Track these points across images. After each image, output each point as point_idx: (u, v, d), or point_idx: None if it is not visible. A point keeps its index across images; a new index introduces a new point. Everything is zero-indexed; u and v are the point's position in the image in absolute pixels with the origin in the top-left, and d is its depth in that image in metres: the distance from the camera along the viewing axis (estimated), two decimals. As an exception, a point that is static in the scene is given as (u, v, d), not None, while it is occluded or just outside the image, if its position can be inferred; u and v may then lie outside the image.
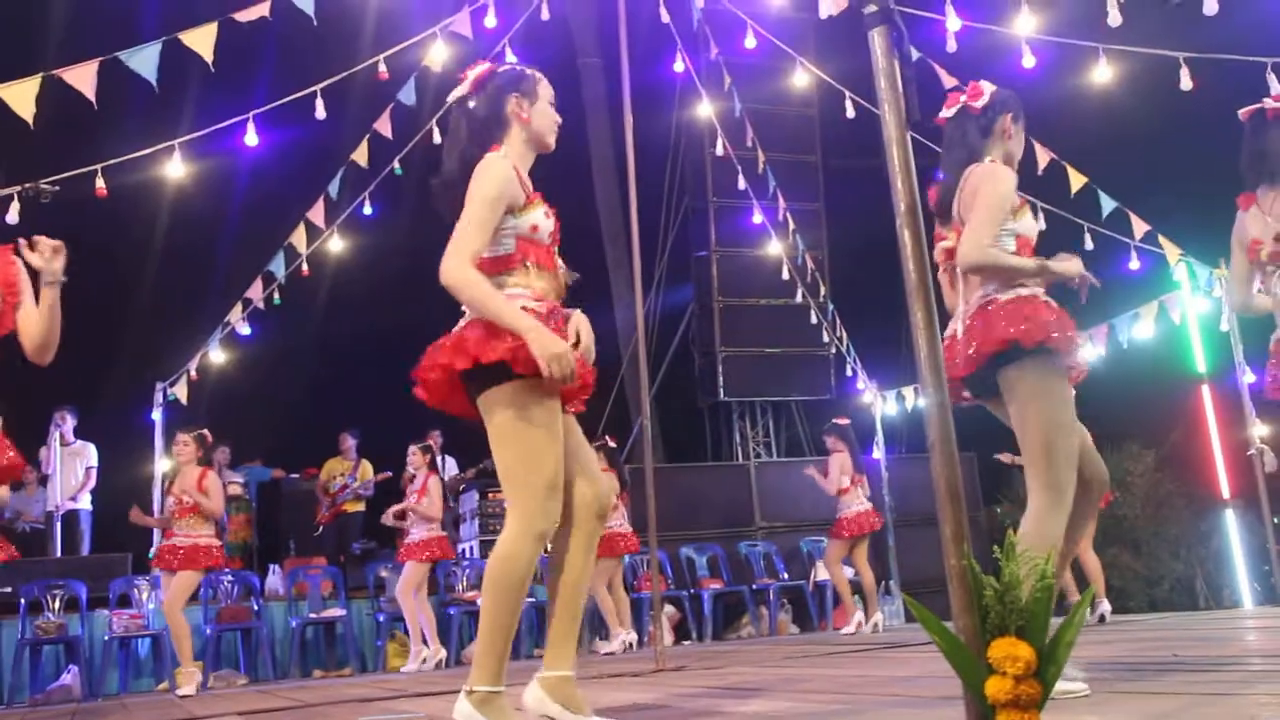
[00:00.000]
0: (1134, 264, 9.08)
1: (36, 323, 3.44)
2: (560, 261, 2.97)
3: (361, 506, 10.72)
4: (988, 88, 3.26)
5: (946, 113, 3.32)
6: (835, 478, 8.57)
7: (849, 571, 8.90)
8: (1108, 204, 8.48)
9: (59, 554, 9.59)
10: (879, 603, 8.75)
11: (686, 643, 9.44)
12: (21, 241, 3.50)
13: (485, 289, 2.69)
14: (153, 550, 7.06)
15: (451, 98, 2.96)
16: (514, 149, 2.90)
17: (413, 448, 8.54)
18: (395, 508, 8.55)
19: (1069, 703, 2.64)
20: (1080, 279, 3.17)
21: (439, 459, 10.92)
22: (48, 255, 3.45)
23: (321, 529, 10.79)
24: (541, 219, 2.85)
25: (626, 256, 7.10)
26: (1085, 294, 3.21)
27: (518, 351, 2.63)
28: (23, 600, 8.02)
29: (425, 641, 8.04)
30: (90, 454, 9.89)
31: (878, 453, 11.45)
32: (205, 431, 7.39)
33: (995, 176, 3.12)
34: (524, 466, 2.69)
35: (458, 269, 2.68)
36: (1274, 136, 4.13)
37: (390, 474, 10.60)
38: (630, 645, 8.35)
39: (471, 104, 2.93)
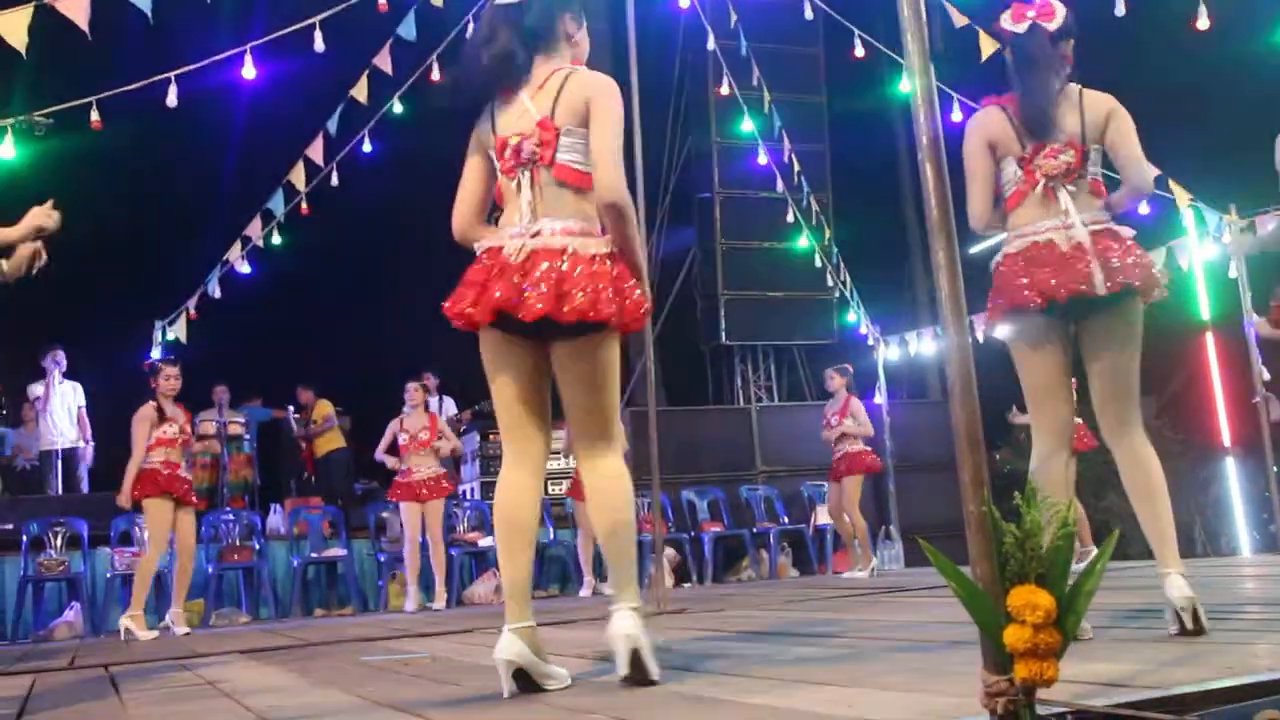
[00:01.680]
0: (1143, 209, 8.91)
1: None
2: None
3: (340, 443, 10.68)
4: (1059, 7, 3.20)
5: (1014, 25, 3.22)
6: (866, 420, 8.60)
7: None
8: (1117, 147, 8.34)
9: (59, 492, 9.61)
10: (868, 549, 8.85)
11: (687, 585, 9.48)
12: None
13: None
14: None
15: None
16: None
17: (412, 385, 8.49)
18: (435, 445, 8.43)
19: (1082, 650, 2.61)
20: None
21: (437, 400, 10.91)
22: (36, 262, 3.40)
23: (309, 476, 10.83)
24: None
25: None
26: None
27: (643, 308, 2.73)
28: (24, 537, 8.04)
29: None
30: (79, 393, 9.89)
31: (879, 398, 11.42)
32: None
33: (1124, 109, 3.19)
34: (617, 401, 2.82)
35: (626, 189, 2.72)
36: None
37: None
38: (596, 590, 8.44)
39: (521, 10, 2.83)
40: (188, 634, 6.72)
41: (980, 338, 9.57)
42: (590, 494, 2.80)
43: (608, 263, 2.68)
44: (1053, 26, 3.18)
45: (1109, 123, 3.15)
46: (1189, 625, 2.80)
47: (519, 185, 2.76)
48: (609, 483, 2.75)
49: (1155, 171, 3.05)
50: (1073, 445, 3.23)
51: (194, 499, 6.93)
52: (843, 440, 8.57)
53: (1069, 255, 3.03)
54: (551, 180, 2.74)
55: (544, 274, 2.62)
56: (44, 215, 3.45)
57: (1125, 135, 3.15)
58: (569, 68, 2.83)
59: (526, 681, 2.63)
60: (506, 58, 2.78)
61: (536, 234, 2.69)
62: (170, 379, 6.92)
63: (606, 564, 2.81)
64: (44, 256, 3.42)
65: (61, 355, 9.67)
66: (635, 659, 2.56)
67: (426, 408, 8.62)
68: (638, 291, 2.73)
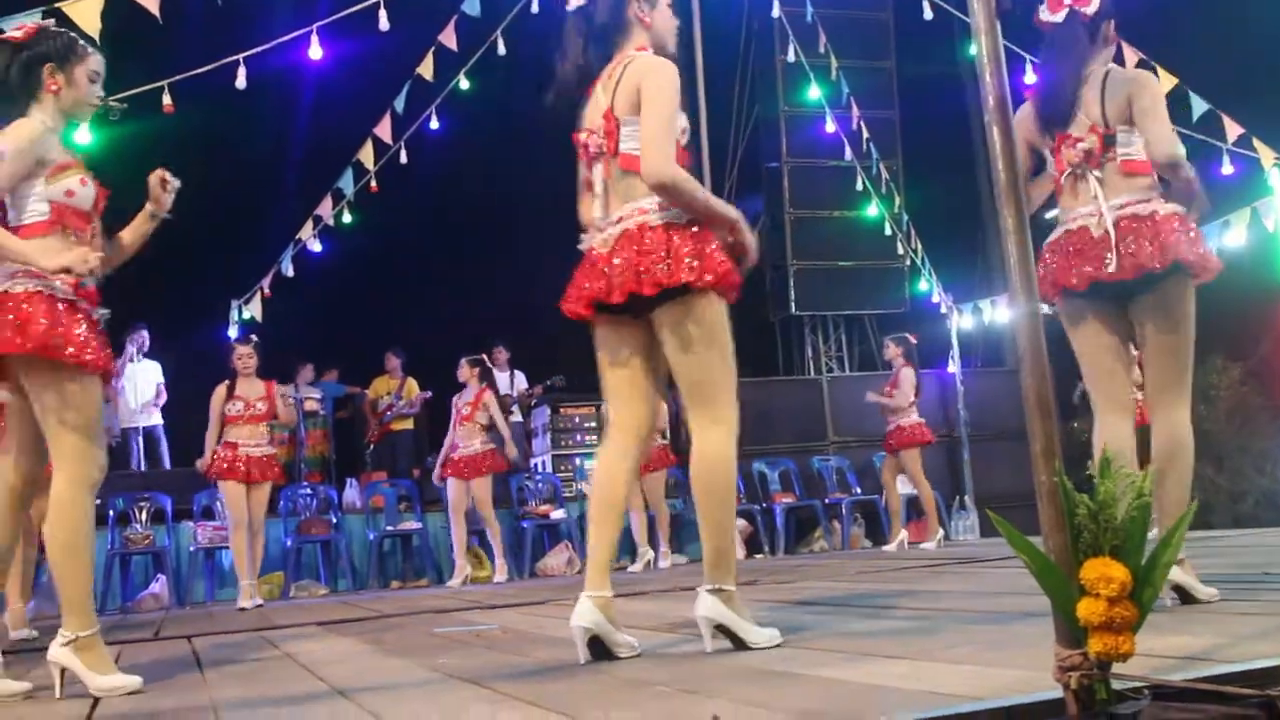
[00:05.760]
0: (1226, 169, 8.68)
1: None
2: None
3: (410, 424, 10.79)
4: None
5: (1052, 16, 3.19)
6: (908, 392, 8.46)
7: (908, 488, 8.86)
8: (1199, 106, 8.08)
9: (141, 468, 9.86)
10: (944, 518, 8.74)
11: (758, 556, 9.46)
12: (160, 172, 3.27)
13: (696, 183, 2.75)
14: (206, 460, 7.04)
15: (571, 5, 2.93)
16: None
17: (462, 360, 8.46)
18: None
19: (1158, 623, 2.55)
20: None
21: (510, 374, 10.97)
22: (166, 186, 3.23)
23: (372, 447, 10.92)
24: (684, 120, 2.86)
25: (696, 168, 6.96)
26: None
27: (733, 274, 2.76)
28: (111, 512, 8.27)
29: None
30: (158, 371, 10.11)
31: (953, 366, 11.26)
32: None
33: (1153, 81, 3.15)
34: (728, 369, 2.83)
35: (673, 166, 2.70)
36: None
37: (430, 394, 10.62)
38: (650, 563, 8.42)
39: (591, 10, 2.91)
40: (260, 606, 6.84)
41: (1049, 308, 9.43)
42: (692, 467, 2.81)
43: (685, 229, 2.73)
44: (1090, 10, 3.16)
45: (1131, 101, 3.09)
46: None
47: (596, 177, 2.87)
48: (705, 459, 2.77)
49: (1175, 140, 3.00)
50: (1134, 420, 3.23)
51: (267, 474, 7.04)
52: (897, 412, 8.46)
53: (1097, 241, 3.02)
54: (619, 170, 2.83)
55: (625, 256, 2.71)
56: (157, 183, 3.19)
57: (1145, 110, 3.07)
58: (630, 55, 2.86)
59: (600, 648, 2.71)
60: (581, 65, 2.89)
61: (618, 221, 2.79)
62: (241, 358, 7.07)
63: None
64: (171, 178, 3.20)
65: (144, 335, 9.88)
66: (722, 633, 2.65)
67: (484, 379, 8.53)
68: (712, 247, 2.73)
